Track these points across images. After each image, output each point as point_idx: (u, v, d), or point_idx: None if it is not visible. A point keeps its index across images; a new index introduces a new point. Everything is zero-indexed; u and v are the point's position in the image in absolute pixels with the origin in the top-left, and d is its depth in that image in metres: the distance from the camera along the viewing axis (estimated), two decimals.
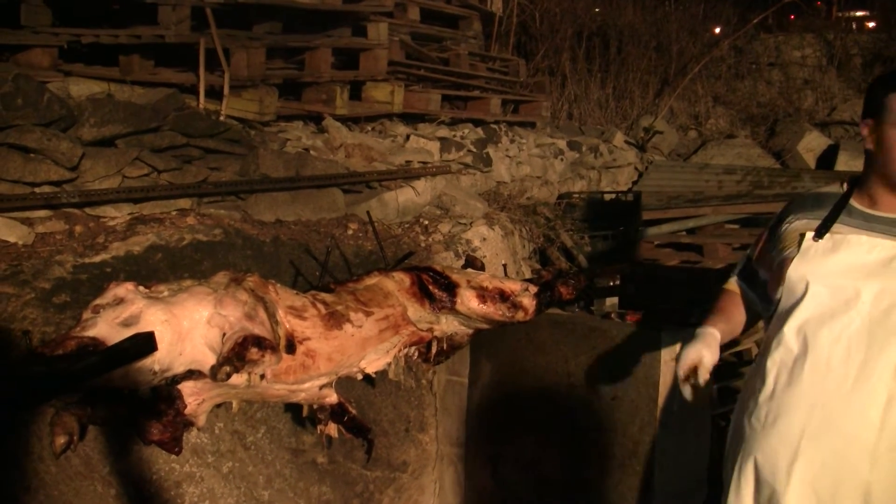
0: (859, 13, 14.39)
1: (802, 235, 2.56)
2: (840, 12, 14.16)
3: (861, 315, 2.41)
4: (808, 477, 2.43)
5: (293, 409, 3.60)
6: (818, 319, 2.47)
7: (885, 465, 2.35)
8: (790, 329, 2.52)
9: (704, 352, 2.58)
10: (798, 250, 2.54)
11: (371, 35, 6.17)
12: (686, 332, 3.75)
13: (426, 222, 4.94)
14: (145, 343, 2.23)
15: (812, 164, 9.33)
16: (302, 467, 3.88)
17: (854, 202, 2.54)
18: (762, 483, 2.53)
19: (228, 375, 2.33)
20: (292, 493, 3.84)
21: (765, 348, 2.63)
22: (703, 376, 2.54)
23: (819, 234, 2.53)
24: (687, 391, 2.55)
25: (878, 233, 2.43)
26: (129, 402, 2.44)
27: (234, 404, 2.81)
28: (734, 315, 2.80)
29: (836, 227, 2.51)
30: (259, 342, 2.37)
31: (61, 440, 2.38)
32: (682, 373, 2.56)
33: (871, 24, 13.79)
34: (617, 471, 3.89)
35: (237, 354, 2.32)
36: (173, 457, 3.34)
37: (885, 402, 2.34)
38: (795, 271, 2.53)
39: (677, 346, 3.71)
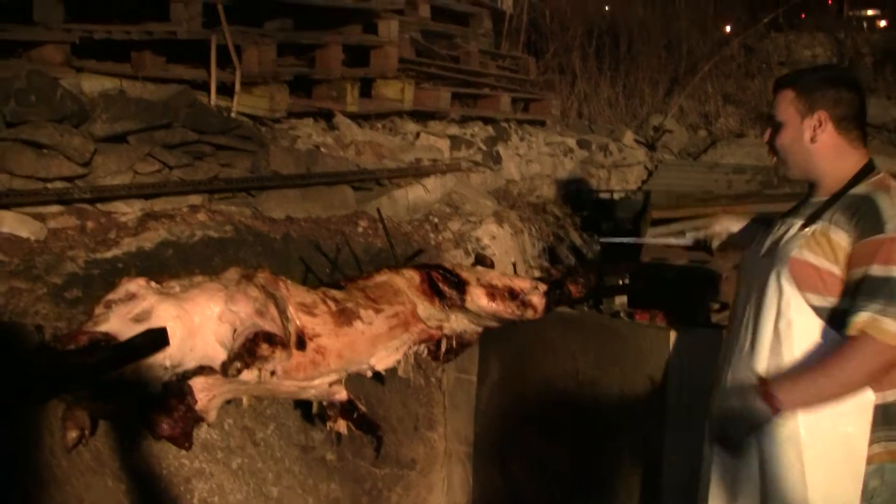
0: (870, 12, 14.34)
1: None
2: (851, 11, 14.12)
3: (754, 286, 2.67)
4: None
5: (302, 405, 3.61)
6: (738, 297, 2.80)
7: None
8: (731, 311, 2.90)
9: (734, 226, 3.21)
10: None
11: (382, 32, 6.17)
12: (694, 332, 3.78)
13: (436, 220, 4.94)
14: (158, 338, 2.24)
15: None
16: (311, 464, 3.89)
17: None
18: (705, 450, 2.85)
19: (239, 371, 2.35)
20: (301, 489, 3.85)
21: None
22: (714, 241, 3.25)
23: (772, 223, 2.83)
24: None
25: (794, 215, 2.69)
26: (140, 397, 2.46)
27: (245, 400, 2.82)
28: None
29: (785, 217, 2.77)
30: (270, 338, 2.39)
31: (73, 434, 2.40)
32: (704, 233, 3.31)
33: (883, 23, 13.75)
34: (625, 467, 3.89)
35: (248, 350, 2.34)
36: (183, 453, 3.35)
37: (770, 346, 2.58)
38: (742, 260, 2.93)
39: (685, 345, 3.73)
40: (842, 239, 2.46)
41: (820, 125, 2.58)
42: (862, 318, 2.36)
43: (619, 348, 3.90)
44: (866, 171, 2.59)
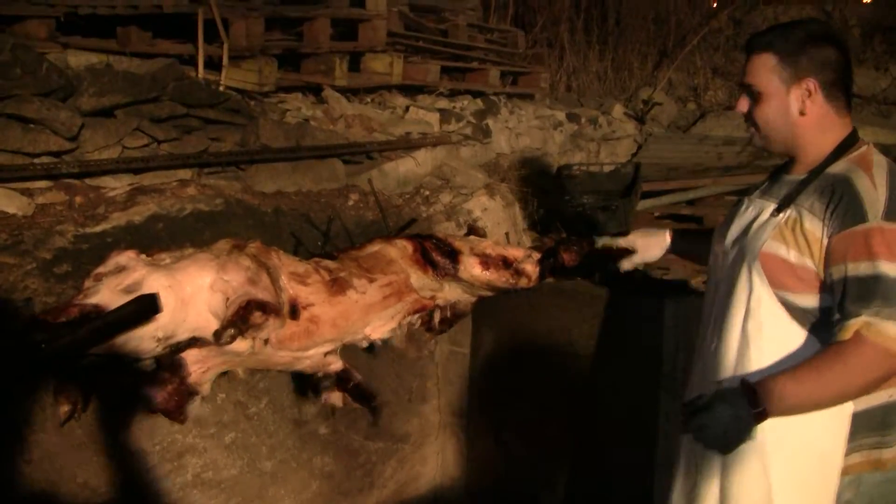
0: None
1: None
2: None
3: (722, 280, 2.47)
4: None
5: (295, 379, 3.60)
6: (707, 290, 2.62)
7: None
8: (703, 302, 2.64)
9: (640, 241, 2.98)
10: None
11: (369, 6, 6.12)
12: (688, 300, 3.76)
13: (427, 193, 4.92)
14: (149, 305, 2.21)
15: None
16: (304, 438, 3.88)
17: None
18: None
19: (232, 339, 2.32)
20: (295, 463, 3.84)
21: None
22: (626, 263, 3.01)
23: (739, 202, 2.58)
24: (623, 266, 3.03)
25: (766, 195, 2.45)
26: (132, 370, 2.44)
27: (240, 372, 2.80)
28: (697, 242, 2.90)
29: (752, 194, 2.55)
30: (263, 306, 2.36)
31: (65, 409, 2.37)
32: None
33: None
34: (620, 436, 3.90)
35: (241, 318, 2.32)
36: (176, 428, 3.33)
37: (737, 349, 2.34)
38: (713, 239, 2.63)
39: (679, 313, 3.72)
40: (816, 229, 2.21)
41: (809, 95, 2.30)
42: (857, 322, 2.10)
43: (612, 317, 3.89)
44: (848, 143, 2.33)
